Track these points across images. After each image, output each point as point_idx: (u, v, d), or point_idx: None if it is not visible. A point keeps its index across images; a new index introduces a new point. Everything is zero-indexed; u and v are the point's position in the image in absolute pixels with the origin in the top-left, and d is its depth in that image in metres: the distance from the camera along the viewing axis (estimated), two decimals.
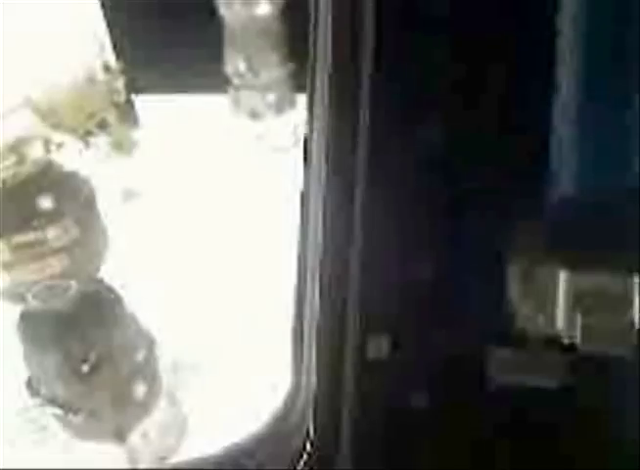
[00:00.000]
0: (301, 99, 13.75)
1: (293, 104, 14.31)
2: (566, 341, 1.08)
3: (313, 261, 1.22)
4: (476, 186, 1.06)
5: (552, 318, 1.09)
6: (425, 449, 1.24)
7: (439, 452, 1.24)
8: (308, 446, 1.27)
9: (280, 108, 13.86)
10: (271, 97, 13.78)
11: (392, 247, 1.12)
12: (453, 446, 1.23)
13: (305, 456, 1.27)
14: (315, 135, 1.22)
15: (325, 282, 1.17)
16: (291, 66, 13.64)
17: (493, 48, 0.99)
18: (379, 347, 1.16)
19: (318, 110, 1.18)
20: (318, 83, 1.15)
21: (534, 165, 1.05)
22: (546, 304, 1.08)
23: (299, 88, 13.67)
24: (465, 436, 1.20)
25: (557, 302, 1.07)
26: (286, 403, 1.38)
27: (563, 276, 1.03)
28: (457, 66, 1.01)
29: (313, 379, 1.25)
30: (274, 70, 13.43)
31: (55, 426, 6.08)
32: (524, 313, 1.10)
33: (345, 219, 1.10)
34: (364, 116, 1.03)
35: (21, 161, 5.83)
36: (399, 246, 1.11)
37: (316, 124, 1.22)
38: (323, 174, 1.13)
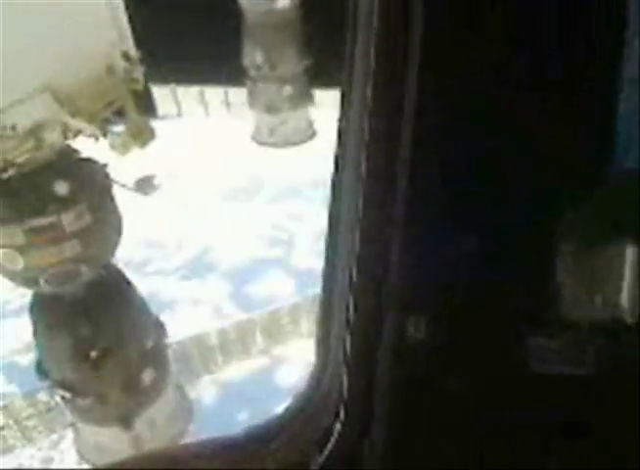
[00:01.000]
0: (318, 94, 13.71)
1: (309, 98, 14.26)
2: (629, 320, 1.02)
3: (345, 240, 1.17)
4: (527, 162, 1.01)
5: (613, 297, 1.03)
6: (458, 433, 1.20)
7: (473, 436, 1.20)
8: (338, 427, 1.23)
9: (296, 101, 13.83)
10: (288, 90, 13.74)
11: (434, 226, 1.07)
12: (487, 431, 1.19)
13: (335, 437, 1.23)
14: (352, 118, 1.17)
15: (363, 261, 1.12)
16: (308, 60, 13.59)
17: (553, 36, 0.94)
18: (417, 327, 1.11)
19: (356, 94, 1.13)
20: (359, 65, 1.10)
21: (598, 140, 0.99)
22: (607, 282, 1.02)
23: (316, 83, 13.63)
24: (498, 420, 1.16)
25: (621, 279, 1.01)
26: (310, 384, 1.34)
27: (630, 252, 0.97)
28: (510, 48, 0.96)
29: (341, 359, 1.22)
30: (292, 63, 13.38)
31: (62, 408, 6.10)
32: (573, 296, 1.05)
33: (386, 198, 1.05)
34: (410, 101, 0.98)
35: (38, 146, 5.79)
36: (441, 225, 1.06)
37: (353, 110, 1.17)
38: (362, 155, 1.08)
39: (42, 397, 6.36)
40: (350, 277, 1.18)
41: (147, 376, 5.97)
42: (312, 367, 1.36)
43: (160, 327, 6.24)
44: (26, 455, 7.72)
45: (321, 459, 1.25)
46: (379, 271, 1.14)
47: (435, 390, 1.18)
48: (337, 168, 1.24)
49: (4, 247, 5.66)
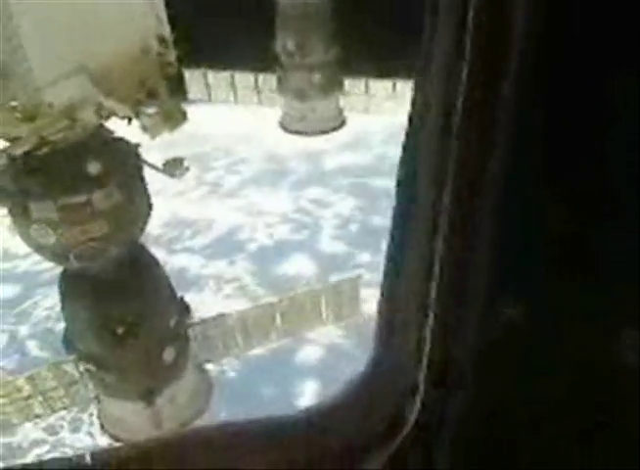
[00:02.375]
0: (348, 82, 13.52)
1: (339, 86, 14.08)
2: None
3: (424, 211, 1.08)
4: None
5: None
6: (544, 427, 1.12)
7: (559, 432, 1.12)
8: (413, 416, 1.15)
9: (326, 89, 13.66)
10: (318, 78, 13.58)
11: (532, 206, 0.97)
12: (576, 425, 1.11)
13: (409, 427, 1.16)
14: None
15: (450, 244, 1.03)
16: (339, 48, 13.40)
17: None
18: (511, 314, 1.02)
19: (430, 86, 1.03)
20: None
21: None
22: None
23: (346, 71, 13.45)
24: (589, 413, 1.08)
25: None
26: (370, 371, 1.26)
27: None
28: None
29: (409, 345, 1.13)
30: (322, 51, 13.20)
31: (87, 381, 6.17)
32: None
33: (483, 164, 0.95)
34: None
35: (72, 125, 5.78)
36: (539, 205, 0.96)
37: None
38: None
39: (68, 368, 6.44)
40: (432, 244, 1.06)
41: (169, 354, 6.00)
42: (374, 349, 1.27)
43: (183, 307, 6.25)
44: (56, 417, 7.85)
45: (394, 444, 1.16)
46: (469, 242, 1.03)
47: (523, 379, 1.09)
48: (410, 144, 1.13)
49: (36, 222, 5.69)
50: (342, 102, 13.72)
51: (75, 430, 15.25)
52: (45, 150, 5.66)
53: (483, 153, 0.98)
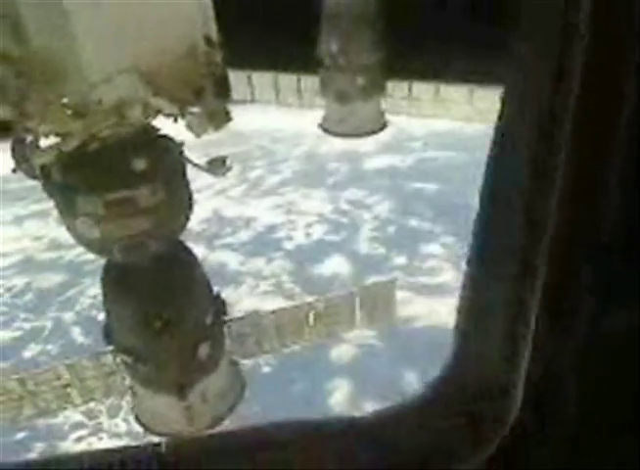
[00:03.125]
0: (391, 84, 13.39)
1: (382, 88, 13.95)
2: None
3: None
4: None
5: None
6: None
7: None
8: (511, 418, 1.09)
9: (368, 92, 13.56)
10: (360, 80, 13.49)
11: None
12: None
13: (506, 429, 1.10)
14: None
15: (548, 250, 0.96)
16: (383, 51, 13.27)
17: None
18: (614, 320, 0.96)
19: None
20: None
21: None
22: None
23: (389, 74, 13.31)
24: None
25: None
26: (458, 371, 1.20)
27: None
28: None
29: (496, 346, 1.08)
30: (366, 54, 13.10)
31: (123, 372, 6.30)
32: None
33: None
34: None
35: (120, 122, 5.87)
36: None
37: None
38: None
39: (106, 359, 6.57)
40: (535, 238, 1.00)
41: (203, 350, 6.05)
42: (460, 347, 1.21)
43: (219, 304, 6.30)
44: (95, 402, 8.01)
45: (491, 445, 1.10)
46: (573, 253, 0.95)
47: (627, 391, 1.02)
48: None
49: (82, 215, 5.80)
50: (383, 104, 13.58)
51: (113, 416, 15.55)
52: (93, 146, 5.76)
53: (598, 162, 0.91)
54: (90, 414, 15.02)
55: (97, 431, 17.44)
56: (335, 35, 12.30)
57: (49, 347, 21.96)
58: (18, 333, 22.39)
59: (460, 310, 1.19)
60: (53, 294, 23.27)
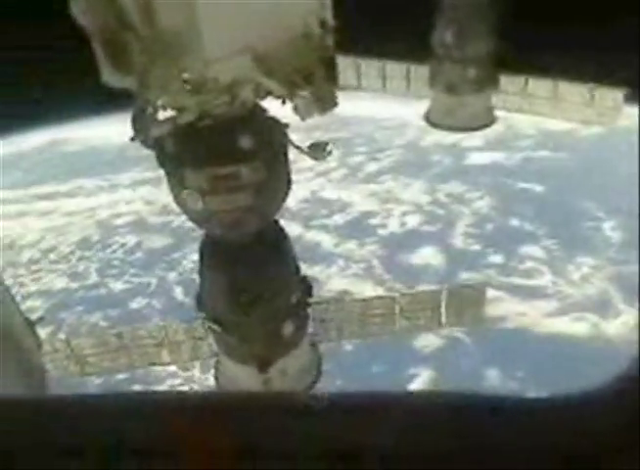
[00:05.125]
0: (504, 79, 12.70)
1: (494, 83, 13.25)
2: None
3: None
4: None
5: None
6: None
7: None
8: None
9: (479, 85, 12.93)
10: (472, 73, 12.87)
11: None
12: None
13: None
14: None
15: None
16: (498, 44, 12.56)
17: None
18: None
19: None
20: None
21: None
22: None
23: (504, 68, 12.61)
24: None
25: None
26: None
27: None
28: None
29: None
30: (480, 46, 12.46)
31: (210, 340, 6.52)
32: None
33: None
34: None
35: (232, 101, 5.96)
36: None
37: None
38: None
39: (197, 326, 6.82)
40: None
41: (287, 328, 6.11)
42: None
43: (306, 285, 6.32)
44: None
45: None
46: None
47: None
48: None
49: (189, 187, 5.98)
50: (494, 99, 12.89)
51: (205, 371, 16.30)
52: (205, 122, 5.89)
53: None
54: (183, 367, 15.92)
55: (189, 382, 18.50)
56: (451, 25, 11.78)
57: (153, 301, 23.42)
58: (127, 286, 24.06)
59: None
60: (160, 254, 24.73)
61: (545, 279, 21.33)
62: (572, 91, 10.75)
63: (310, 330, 6.63)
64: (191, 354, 7.08)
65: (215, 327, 6.11)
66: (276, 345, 6.15)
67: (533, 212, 21.75)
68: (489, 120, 13.01)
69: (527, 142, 23.16)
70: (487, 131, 12.91)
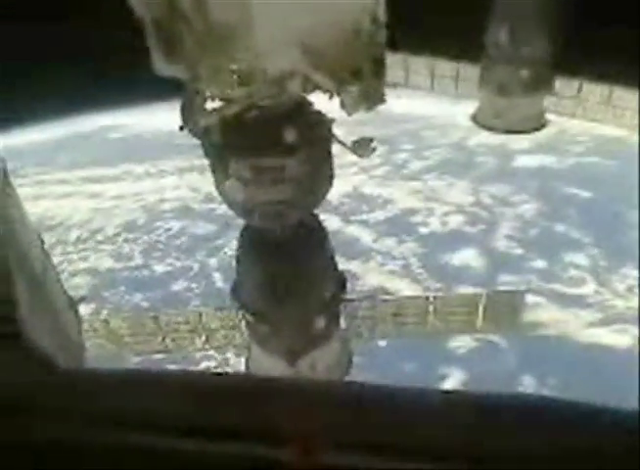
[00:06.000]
0: (559, 82, 12.31)
1: (548, 85, 12.83)
2: None
3: None
4: None
5: None
6: None
7: None
8: None
9: (532, 87, 12.55)
10: (525, 74, 12.49)
11: None
12: None
13: None
14: None
15: None
16: (554, 46, 12.14)
17: None
18: None
19: None
20: None
21: None
22: None
23: (560, 69, 12.20)
24: None
25: None
26: None
27: None
28: None
29: None
30: (536, 47, 12.08)
31: (243, 328, 6.58)
32: None
33: None
34: None
35: (280, 93, 5.96)
36: None
37: None
38: None
39: (231, 314, 6.90)
40: None
41: (318, 323, 6.11)
42: None
43: (340, 282, 6.30)
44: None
45: None
46: None
47: None
48: None
49: (232, 178, 6.02)
50: (547, 102, 12.50)
51: (239, 355, 16.56)
52: (252, 113, 5.92)
53: None
54: (219, 350, 16.26)
55: (224, 364, 18.82)
56: (505, 24, 11.46)
57: (193, 285, 23.87)
58: (169, 269, 24.60)
59: None
60: (202, 240, 25.17)
61: (588, 288, 20.70)
62: (627, 97, 10.33)
63: (342, 326, 6.61)
64: (224, 342, 7.17)
65: (249, 317, 6.16)
66: (306, 338, 6.16)
67: (580, 219, 21.08)
68: (540, 124, 12.63)
69: (578, 147, 22.41)
70: (538, 134, 12.56)
